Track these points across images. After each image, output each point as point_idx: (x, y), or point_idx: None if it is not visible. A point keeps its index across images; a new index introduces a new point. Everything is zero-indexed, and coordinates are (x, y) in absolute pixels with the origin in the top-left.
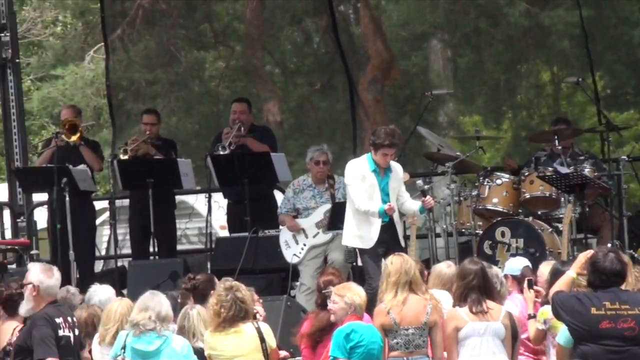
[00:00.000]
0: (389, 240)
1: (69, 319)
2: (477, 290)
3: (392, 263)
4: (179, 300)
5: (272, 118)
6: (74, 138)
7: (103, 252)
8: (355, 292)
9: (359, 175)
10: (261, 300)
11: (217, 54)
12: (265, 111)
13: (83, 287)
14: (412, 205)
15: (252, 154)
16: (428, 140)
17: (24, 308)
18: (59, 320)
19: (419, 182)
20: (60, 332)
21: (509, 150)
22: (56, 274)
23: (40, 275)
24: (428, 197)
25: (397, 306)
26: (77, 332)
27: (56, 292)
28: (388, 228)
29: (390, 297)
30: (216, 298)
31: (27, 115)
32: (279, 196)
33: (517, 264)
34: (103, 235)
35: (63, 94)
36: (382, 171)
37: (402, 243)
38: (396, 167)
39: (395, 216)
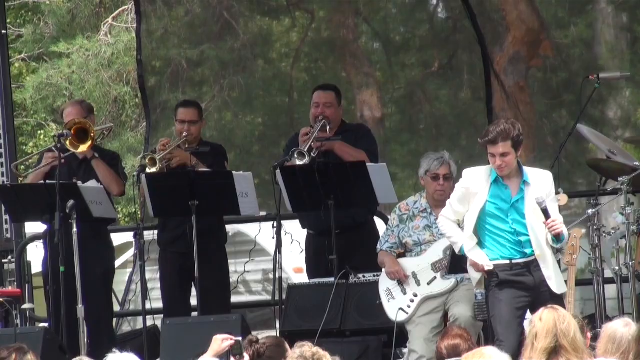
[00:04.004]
0: (536, 287)
1: None
2: None
3: (542, 320)
4: None
5: (369, 113)
6: (82, 148)
7: (126, 306)
8: None
9: (464, 184)
10: None
11: (291, 22)
12: (360, 103)
13: (96, 357)
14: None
15: (341, 165)
16: (592, 144)
17: None
18: None
19: (538, 196)
20: None
21: None
22: None
23: None
24: (552, 218)
25: None
26: None
27: None
28: (534, 268)
29: None
30: None
31: (17, 109)
32: (380, 225)
33: None
34: (132, 283)
35: (68, 80)
36: (512, 183)
37: (556, 289)
38: (540, 178)
39: (542, 250)
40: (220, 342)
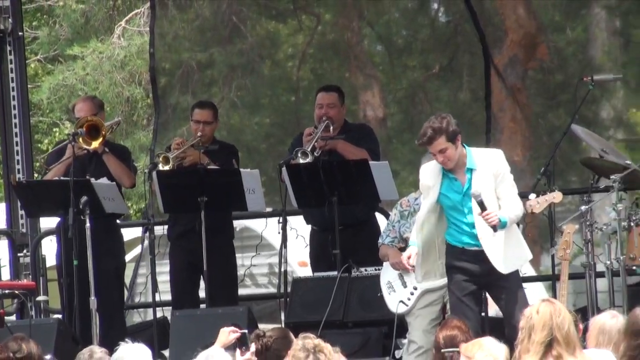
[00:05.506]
0: (484, 274)
1: None
2: None
3: (539, 313)
4: None
5: (371, 113)
6: (95, 144)
7: (136, 299)
8: (488, 352)
9: (421, 180)
10: None
11: (297, 25)
12: (363, 103)
13: (108, 348)
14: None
15: (344, 163)
16: (586, 144)
17: None
18: None
19: (474, 190)
20: None
21: None
22: None
23: None
24: (488, 210)
25: None
26: None
27: None
28: (485, 257)
29: None
30: None
31: (33, 109)
32: (381, 221)
33: None
34: (137, 276)
35: (83, 81)
36: (459, 173)
37: (504, 270)
38: (486, 158)
39: (487, 234)
40: (227, 334)
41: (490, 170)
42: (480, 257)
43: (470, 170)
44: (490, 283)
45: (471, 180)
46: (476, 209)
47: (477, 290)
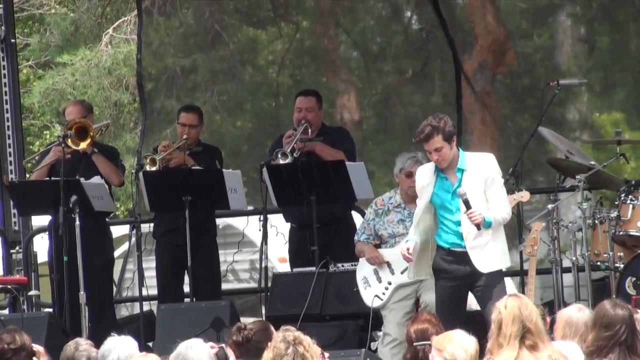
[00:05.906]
0: (467, 275)
1: None
2: (624, 345)
3: (507, 307)
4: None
5: (348, 116)
6: (83, 145)
7: (124, 293)
8: (458, 345)
9: (417, 182)
10: (327, 355)
11: (277, 32)
12: (340, 107)
13: (98, 340)
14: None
15: (322, 164)
16: (553, 145)
17: None
18: None
19: (460, 188)
20: None
21: None
22: None
23: None
24: (472, 209)
25: None
26: None
27: None
28: (466, 258)
29: (508, 355)
30: (273, 352)
31: (25, 112)
32: (357, 219)
33: None
34: (125, 271)
35: (72, 86)
36: (451, 173)
37: (483, 269)
38: (478, 161)
39: (473, 235)
40: None
41: (480, 172)
42: (465, 258)
43: (461, 171)
44: (473, 283)
45: (461, 180)
46: (463, 208)
47: (463, 294)
